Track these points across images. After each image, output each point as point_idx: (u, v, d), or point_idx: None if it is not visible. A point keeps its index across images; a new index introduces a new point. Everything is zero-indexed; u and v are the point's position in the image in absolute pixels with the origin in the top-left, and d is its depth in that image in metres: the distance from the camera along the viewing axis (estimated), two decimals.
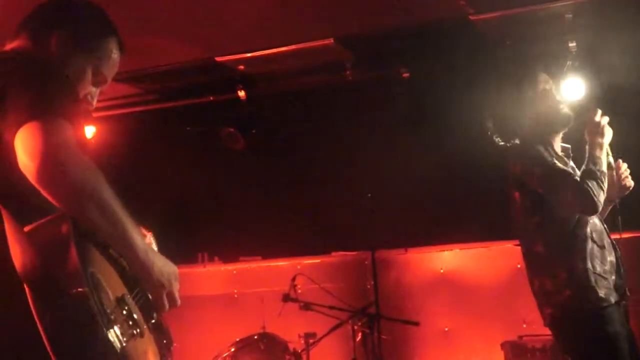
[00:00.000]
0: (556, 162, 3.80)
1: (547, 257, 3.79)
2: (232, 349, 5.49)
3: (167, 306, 2.28)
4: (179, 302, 2.31)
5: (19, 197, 2.06)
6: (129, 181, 7.21)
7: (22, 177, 2.00)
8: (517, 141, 3.98)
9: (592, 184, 3.65)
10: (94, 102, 2.56)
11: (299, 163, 7.11)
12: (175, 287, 2.28)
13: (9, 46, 2.40)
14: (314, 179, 7.02)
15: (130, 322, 2.06)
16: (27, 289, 1.89)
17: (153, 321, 2.27)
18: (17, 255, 1.94)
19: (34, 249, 1.93)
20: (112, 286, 2.08)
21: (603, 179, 3.73)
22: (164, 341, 2.34)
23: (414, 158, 6.54)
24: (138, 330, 2.08)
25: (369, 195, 6.13)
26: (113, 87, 6.57)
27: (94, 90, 2.53)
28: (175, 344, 6.30)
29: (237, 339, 5.62)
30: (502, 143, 4.04)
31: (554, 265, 3.75)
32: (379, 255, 6.51)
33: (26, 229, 1.97)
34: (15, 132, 2.00)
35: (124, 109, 7.36)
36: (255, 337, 5.58)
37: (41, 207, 2.02)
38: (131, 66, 6.30)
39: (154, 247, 3.26)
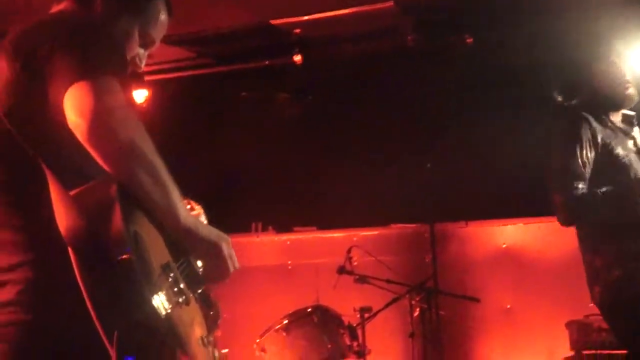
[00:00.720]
0: (582, 150, 3.75)
1: (600, 234, 3.75)
2: (285, 322, 5.50)
3: (217, 275, 2.30)
4: (231, 267, 2.32)
5: (66, 160, 2.10)
6: (181, 147, 7.37)
7: (71, 139, 2.02)
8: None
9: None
10: (142, 64, 2.58)
11: (356, 131, 7.08)
12: (226, 251, 2.29)
13: (55, 9, 2.43)
14: (371, 149, 6.99)
15: (176, 290, 2.08)
16: (71, 253, 1.92)
17: (199, 291, 2.29)
18: (62, 219, 1.97)
19: (79, 213, 1.96)
20: (158, 253, 2.10)
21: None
22: (211, 312, 2.36)
23: (476, 128, 6.46)
24: (184, 298, 2.10)
25: (428, 165, 6.09)
26: (166, 50, 6.72)
27: (142, 52, 2.54)
28: (227, 315, 6.41)
29: (290, 312, 5.63)
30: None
31: (605, 242, 3.71)
32: (438, 228, 6.48)
33: (72, 192, 2.00)
34: (64, 93, 2.02)
35: (177, 73, 7.41)
36: (309, 309, 5.58)
37: (88, 172, 2.04)
38: (185, 29, 6.35)
39: (204, 219, 3.30)
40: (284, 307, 5.87)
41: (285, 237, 7.47)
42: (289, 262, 7.35)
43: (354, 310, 5.80)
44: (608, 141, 3.81)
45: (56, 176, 2.04)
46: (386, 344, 6.41)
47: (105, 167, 2.02)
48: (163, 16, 2.54)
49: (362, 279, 5.92)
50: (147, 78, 7.25)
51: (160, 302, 1.94)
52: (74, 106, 2.00)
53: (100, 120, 1.98)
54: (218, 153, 7.11)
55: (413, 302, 5.89)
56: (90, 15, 2.38)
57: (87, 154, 2.01)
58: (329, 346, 5.39)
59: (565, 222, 3.79)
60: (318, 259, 7.00)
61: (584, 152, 3.77)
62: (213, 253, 2.26)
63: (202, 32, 6.66)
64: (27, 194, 2.12)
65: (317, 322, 5.51)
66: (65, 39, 2.11)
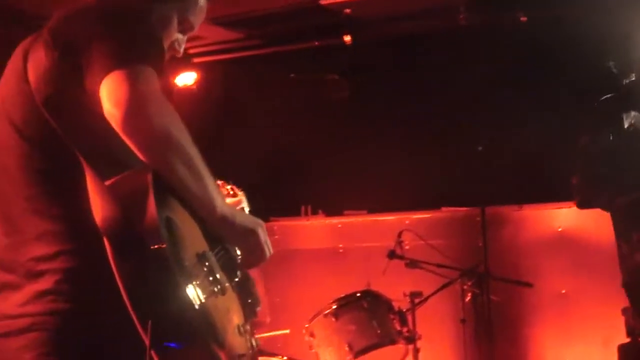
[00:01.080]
0: (615, 134, 3.71)
1: (624, 219, 3.72)
2: (334, 306, 5.52)
3: (254, 261, 2.34)
4: (267, 253, 2.36)
5: (103, 150, 2.14)
6: (229, 130, 7.44)
7: (107, 129, 2.06)
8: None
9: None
10: (181, 50, 2.61)
11: (406, 113, 7.06)
12: (262, 238, 2.33)
13: None
14: (423, 131, 6.97)
15: (211, 279, 2.11)
16: (106, 243, 1.97)
17: (237, 279, 2.32)
18: (98, 209, 2.02)
19: (114, 202, 2.00)
20: (194, 241, 2.14)
21: None
22: (249, 301, 2.39)
23: (531, 108, 6.40)
24: (219, 287, 2.13)
25: (480, 148, 6.05)
26: (215, 31, 6.76)
27: (181, 38, 2.58)
28: (277, 299, 6.45)
29: (339, 296, 5.65)
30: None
31: (629, 228, 3.69)
32: (490, 211, 6.44)
33: (107, 182, 2.04)
34: (100, 82, 2.06)
35: (225, 55, 7.46)
36: (358, 294, 5.59)
37: (124, 162, 2.09)
38: (234, 10, 6.38)
39: (245, 205, 3.34)
40: (334, 291, 5.86)
41: (336, 221, 7.49)
42: (340, 245, 7.36)
43: (404, 295, 5.78)
44: None
45: (92, 166, 2.10)
46: (437, 329, 6.41)
47: (140, 156, 2.06)
48: (202, 1, 2.56)
49: (413, 264, 5.92)
50: (195, 60, 7.32)
51: (194, 291, 1.97)
52: (109, 96, 2.03)
53: (135, 110, 2.02)
54: (267, 136, 7.15)
55: (465, 287, 5.89)
56: (129, 2, 2.42)
57: (123, 143, 2.05)
58: (378, 331, 5.39)
59: (579, 205, 3.77)
60: (369, 242, 7.03)
61: (616, 135, 3.72)
62: (249, 240, 2.31)
63: (252, 13, 6.69)
64: (66, 183, 2.16)
65: (367, 307, 5.51)
66: (102, 28, 2.15)
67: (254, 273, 6.44)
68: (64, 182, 2.17)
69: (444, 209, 7.11)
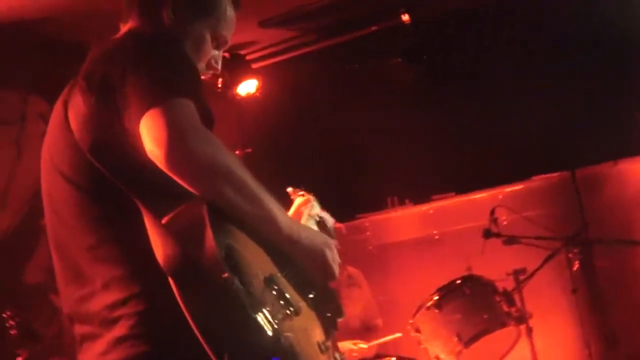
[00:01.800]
0: None
1: None
2: (435, 297, 5.49)
3: (325, 279, 2.35)
4: (336, 272, 2.37)
5: (154, 187, 2.17)
6: (300, 130, 7.47)
7: (154, 167, 2.09)
8: None
9: None
10: (219, 66, 2.66)
11: (478, 88, 6.95)
12: (330, 258, 2.34)
13: (123, 29, 2.52)
14: (499, 103, 6.84)
15: (282, 302, 2.13)
16: (171, 282, 2.00)
17: (311, 296, 2.33)
18: (158, 248, 2.06)
19: (172, 239, 2.04)
20: (260, 266, 2.16)
21: None
22: (328, 315, 2.39)
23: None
24: (292, 309, 2.14)
25: None
26: (267, 34, 6.79)
27: (217, 54, 2.62)
28: (381, 297, 6.44)
29: (439, 286, 5.61)
30: None
31: None
32: (584, 173, 6.31)
33: (163, 220, 2.08)
34: (138, 122, 2.09)
35: (283, 55, 7.50)
36: (458, 281, 5.54)
37: (177, 194, 2.11)
38: (283, 9, 6.41)
39: (317, 209, 3.34)
40: (436, 279, 5.82)
41: (426, 207, 7.44)
42: (435, 232, 7.32)
43: (507, 274, 5.71)
44: None
45: (147, 205, 2.14)
46: (547, 304, 6.30)
47: (191, 190, 2.09)
48: (230, 12, 2.60)
49: (511, 240, 5.81)
50: (254, 66, 7.38)
51: (265, 318, 1.99)
52: (149, 135, 2.07)
53: (175, 146, 2.05)
54: (339, 132, 7.15)
55: (570, 256, 5.76)
56: (159, 29, 2.46)
57: (172, 179, 2.09)
58: (486, 316, 5.34)
59: None
60: (463, 224, 6.98)
61: None
62: (316, 259, 2.33)
63: (303, 9, 6.68)
64: (124, 226, 2.21)
65: (470, 293, 5.47)
66: (133, 65, 2.18)
67: (358, 278, 6.45)
68: (122, 226, 2.22)
69: (535, 177, 6.97)
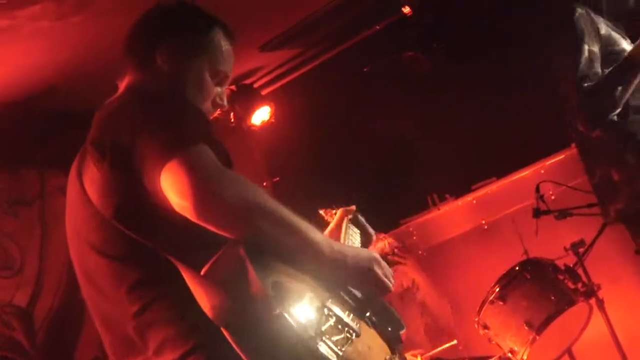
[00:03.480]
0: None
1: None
2: (497, 289, 5.50)
3: (378, 294, 2.40)
4: (389, 285, 2.41)
5: (186, 242, 2.24)
6: (327, 147, 7.49)
7: (182, 221, 2.15)
8: None
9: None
10: (225, 102, 2.70)
11: (495, 61, 6.94)
12: (379, 272, 2.39)
13: (121, 86, 2.59)
14: (519, 79, 6.81)
15: (340, 327, 2.18)
16: (224, 332, 2.06)
17: (368, 314, 2.39)
18: (204, 301, 2.11)
19: (216, 288, 2.09)
20: (312, 296, 2.20)
21: None
22: (389, 329, 2.45)
23: None
24: (352, 332, 2.20)
25: None
26: (271, 57, 6.84)
27: (220, 91, 2.67)
28: (448, 303, 6.41)
29: (499, 277, 5.62)
30: None
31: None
32: None
33: (202, 271, 2.13)
34: (158, 179, 2.15)
35: (291, 75, 7.57)
36: (517, 268, 5.54)
37: (211, 243, 2.16)
38: (280, 28, 6.47)
39: (362, 221, 3.39)
40: (495, 269, 5.77)
41: (470, 198, 7.45)
42: (483, 221, 7.32)
43: (566, 249, 5.72)
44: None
45: (183, 260, 2.20)
46: (614, 272, 6.28)
47: (227, 235, 2.14)
48: (226, 45, 2.66)
49: (563, 213, 5.82)
50: (264, 92, 7.45)
51: (327, 348, 2.05)
52: (172, 189, 2.12)
53: (202, 193, 2.09)
54: (364, 139, 7.19)
55: None
56: (156, 78, 2.53)
57: (203, 228, 2.14)
58: (552, 298, 5.32)
59: (589, 125, 3.67)
60: (510, 208, 6.99)
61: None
62: (367, 277, 2.37)
63: (302, 23, 6.70)
64: (165, 287, 2.28)
65: (531, 277, 5.47)
66: (141, 124, 2.24)
67: (425, 287, 6.45)
68: (162, 287, 2.28)
69: (574, 144, 6.94)
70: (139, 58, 2.58)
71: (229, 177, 2.16)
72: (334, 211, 3.88)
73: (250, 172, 7.01)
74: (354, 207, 3.54)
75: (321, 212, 4.08)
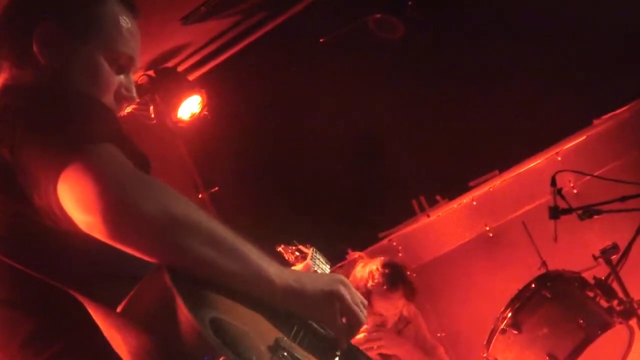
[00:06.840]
0: None
1: None
2: (509, 315, 5.49)
3: (350, 329, 2.39)
4: (362, 317, 2.40)
5: (95, 271, 2.22)
6: (272, 147, 7.49)
7: (89, 246, 2.12)
8: None
9: None
10: (133, 93, 2.64)
11: (492, 27, 6.98)
12: (348, 298, 2.38)
13: None
14: (521, 40, 6.87)
15: None
16: None
17: (338, 353, 2.38)
18: (120, 345, 2.07)
19: (137, 330, 2.05)
20: (259, 334, 2.18)
21: None
22: None
23: None
24: None
25: None
26: (198, 31, 6.82)
27: (125, 79, 2.62)
28: (438, 333, 6.46)
29: (510, 298, 5.62)
30: None
31: None
32: None
33: (119, 309, 2.09)
34: (53, 192, 2.10)
35: (225, 53, 7.49)
36: (532, 285, 5.55)
37: (126, 272, 2.15)
38: None
39: (320, 261, 3.40)
40: (502, 290, 5.83)
41: (467, 199, 7.44)
42: (487, 228, 7.34)
43: (595, 257, 5.70)
44: None
45: (91, 297, 2.16)
46: None
47: (146, 258, 2.10)
48: (126, 19, 2.60)
49: (588, 212, 5.81)
50: (191, 77, 7.40)
51: None
52: (73, 202, 2.08)
53: (111, 205, 2.04)
54: (324, 132, 7.20)
55: None
56: (38, 74, 2.48)
57: (117, 251, 2.10)
58: (581, 321, 5.33)
59: None
60: (520, 207, 7.02)
61: None
62: (331, 306, 2.36)
63: None
64: (72, 336, 2.24)
65: (552, 296, 5.48)
66: (23, 131, 2.20)
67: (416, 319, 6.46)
68: (66, 338, 2.24)
69: (595, 121, 6.98)
70: (14, 52, 2.53)
71: (146, 183, 2.13)
72: (294, 247, 3.90)
73: (180, 181, 6.95)
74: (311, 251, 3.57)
75: (280, 248, 4.10)
